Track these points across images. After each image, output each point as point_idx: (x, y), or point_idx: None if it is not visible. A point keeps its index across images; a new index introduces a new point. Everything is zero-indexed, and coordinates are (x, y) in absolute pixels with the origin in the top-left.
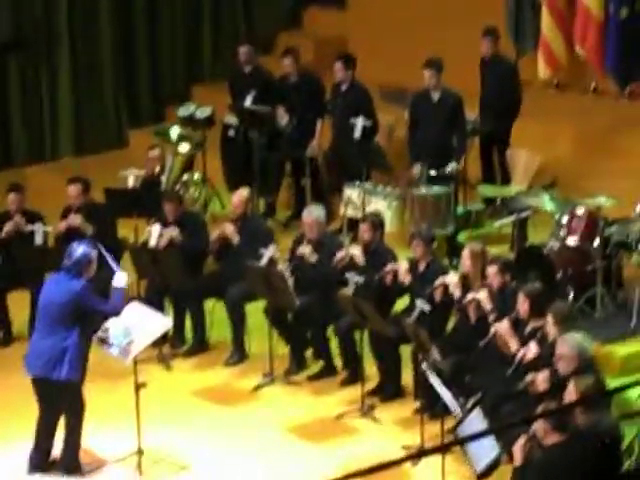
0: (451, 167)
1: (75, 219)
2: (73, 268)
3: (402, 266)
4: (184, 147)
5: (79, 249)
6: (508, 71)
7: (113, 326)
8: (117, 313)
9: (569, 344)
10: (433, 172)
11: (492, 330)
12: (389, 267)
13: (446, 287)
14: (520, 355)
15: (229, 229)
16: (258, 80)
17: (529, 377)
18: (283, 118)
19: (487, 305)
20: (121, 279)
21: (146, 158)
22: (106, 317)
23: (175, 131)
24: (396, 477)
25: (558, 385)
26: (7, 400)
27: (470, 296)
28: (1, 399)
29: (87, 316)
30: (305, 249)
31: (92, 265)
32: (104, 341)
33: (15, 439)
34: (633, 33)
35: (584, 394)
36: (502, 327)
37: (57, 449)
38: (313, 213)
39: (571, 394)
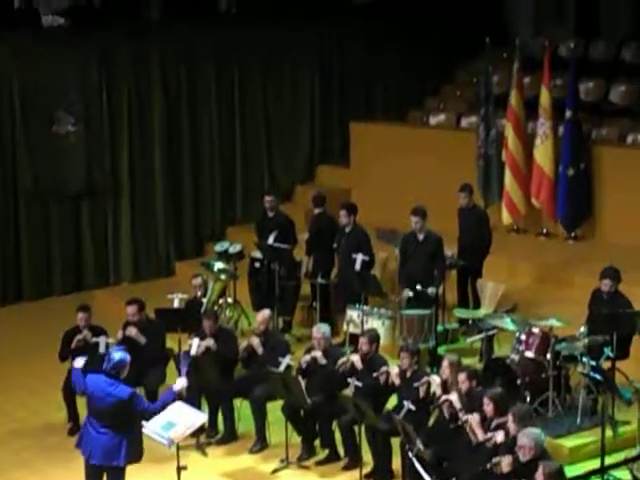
0: (431, 290)
1: (131, 331)
2: (112, 370)
3: (394, 369)
4: (222, 277)
5: (117, 355)
6: (480, 218)
7: (158, 420)
8: (163, 409)
9: (528, 437)
10: (418, 287)
11: (463, 418)
12: (383, 369)
13: (429, 386)
14: (490, 439)
15: (255, 341)
16: (279, 223)
17: (495, 459)
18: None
19: (457, 404)
20: (180, 383)
21: (191, 284)
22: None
23: (217, 265)
24: None
25: (519, 468)
26: None
27: (444, 397)
28: None
29: (136, 415)
30: (317, 353)
31: (126, 368)
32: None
33: None
34: (578, 189)
35: (548, 477)
36: (473, 419)
37: None
38: (321, 329)
39: (539, 475)
